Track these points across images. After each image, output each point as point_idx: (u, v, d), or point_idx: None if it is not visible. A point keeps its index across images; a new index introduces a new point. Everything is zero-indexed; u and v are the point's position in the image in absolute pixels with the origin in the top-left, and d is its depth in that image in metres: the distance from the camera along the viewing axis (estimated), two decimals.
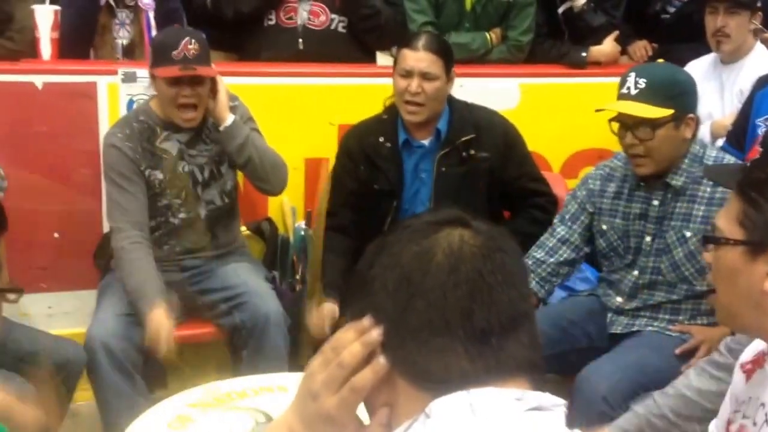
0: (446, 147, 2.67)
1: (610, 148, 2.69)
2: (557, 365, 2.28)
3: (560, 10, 3.46)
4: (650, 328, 2.31)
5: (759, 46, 3.25)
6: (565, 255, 2.40)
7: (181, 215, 2.63)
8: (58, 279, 2.93)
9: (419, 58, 2.57)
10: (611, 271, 2.40)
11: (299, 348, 2.66)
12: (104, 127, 2.79)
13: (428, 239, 0.86)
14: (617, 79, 2.27)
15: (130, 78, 2.90)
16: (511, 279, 0.86)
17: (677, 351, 2.21)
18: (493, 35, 3.38)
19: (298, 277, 2.98)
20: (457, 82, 2.72)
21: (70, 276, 2.92)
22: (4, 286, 1.15)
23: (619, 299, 2.37)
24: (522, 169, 2.74)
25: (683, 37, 3.52)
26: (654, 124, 2.15)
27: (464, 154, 2.67)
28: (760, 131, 2.78)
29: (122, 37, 3.09)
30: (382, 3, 3.29)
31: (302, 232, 3.00)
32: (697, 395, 1.81)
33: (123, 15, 3.08)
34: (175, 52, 2.45)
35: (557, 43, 3.48)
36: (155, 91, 2.59)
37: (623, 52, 3.62)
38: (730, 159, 2.35)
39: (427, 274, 0.84)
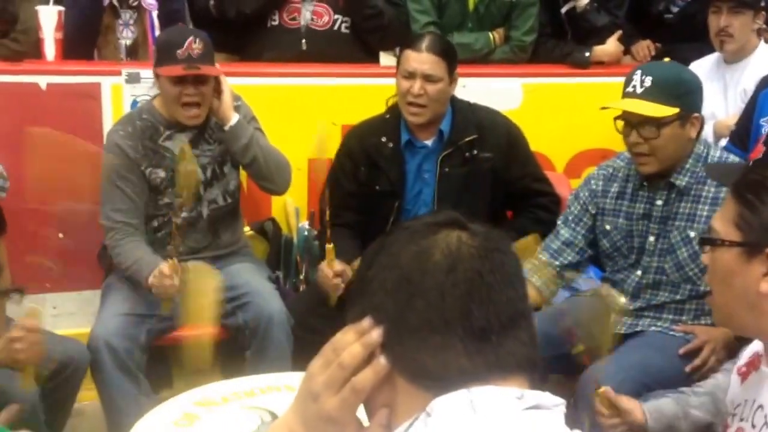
0: (449, 147, 2.67)
1: (614, 148, 2.68)
2: (560, 365, 2.28)
3: (563, 9, 3.47)
4: (654, 328, 2.31)
5: (762, 45, 3.25)
6: (569, 257, 2.40)
7: (184, 215, 2.63)
8: (62, 279, 2.93)
9: (422, 59, 2.57)
10: (615, 271, 2.39)
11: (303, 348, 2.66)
12: (108, 127, 2.79)
13: (427, 240, 0.87)
14: (620, 79, 2.27)
15: (133, 78, 2.91)
16: (508, 279, 0.86)
17: (681, 351, 2.21)
18: (496, 35, 3.39)
19: (301, 277, 2.98)
20: (460, 82, 2.72)
21: (74, 276, 2.93)
22: (6, 287, 1.16)
23: (622, 299, 2.36)
24: (525, 169, 2.74)
25: (686, 37, 3.52)
26: (659, 122, 2.15)
27: (467, 154, 2.67)
28: (764, 131, 2.78)
29: (126, 37, 3.10)
30: (385, 3, 3.29)
31: (306, 233, 3.01)
32: (725, 394, 1.81)
33: (126, 15, 3.09)
34: (179, 51, 2.46)
35: (560, 43, 3.48)
36: (159, 90, 2.59)
37: (626, 51, 3.62)
38: (733, 159, 2.35)
39: (425, 274, 0.85)
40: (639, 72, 2.19)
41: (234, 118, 2.57)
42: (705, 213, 2.20)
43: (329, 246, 2.49)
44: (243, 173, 2.74)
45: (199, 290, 2.30)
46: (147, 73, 2.79)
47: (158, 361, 2.54)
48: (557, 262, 2.40)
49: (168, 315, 2.48)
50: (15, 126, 2.84)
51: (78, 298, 2.94)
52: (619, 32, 3.50)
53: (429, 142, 2.70)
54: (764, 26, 3.22)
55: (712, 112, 3.15)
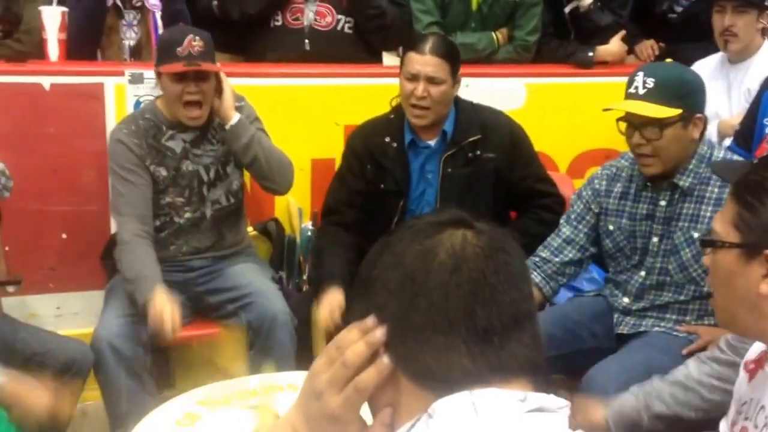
0: (452, 148, 2.66)
1: (617, 148, 2.68)
2: (564, 366, 2.28)
3: (567, 9, 3.46)
4: (657, 328, 2.30)
5: (767, 45, 3.24)
6: (570, 255, 2.40)
7: (187, 215, 2.64)
8: (66, 280, 2.94)
9: (425, 62, 2.57)
10: (618, 272, 2.39)
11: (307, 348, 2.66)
12: (111, 127, 2.80)
13: (431, 239, 0.87)
14: (624, 79, 2.26)
15: (137, 79, 2.91)
16: (513, 279, 0.86)
17: (684, 351, 2.20)
18: (499, 35, 3.38)
19: (305, 277, 2.98)
20: (463, 82, 2.72)
21: (78, 276, 2.93)
22: (2, 278, 1.15)
23: (625, 300, 2.36)
24: (528, 169, 2.73)
25: (690, 37, 3.52)
26: (662, 123, 2.15)
27: (470, 154, 2.66)
28: None
29: (129, 38, 3.10)
30: (388, 3, 3.29)
31: (309, 233, 3.01)
32: (697, 384, 1.83)
33: (130, 16, 3.09)
34: (179, 49, 2.46)
35: (564, 43, 3.47)
36: (161, 90, 2.60)
37: (630, 51, 3.61)
38: (736, 159, 2.34)
39: (429, 274, 0.85)
40: (641, 73, 2.19)
41: (235, 117, 2.57)
42: (708, 213, 2.19)
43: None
44: (247, 173, 2.75)
45: None
46: (150, 73, 2.79)
47: (161, 361, 2.54)
48: (557, 259, 2.40)
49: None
50: (19, 126, 2.85)
51: (82, 299, 2.94)
52: (623, 32, 3.49)
53: (432, 143, 2.70)
54: None
55: (716, 111, 3.14)
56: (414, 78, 2.58)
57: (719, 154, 2.27)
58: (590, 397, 2.00)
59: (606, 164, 2.45)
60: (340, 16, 3.27)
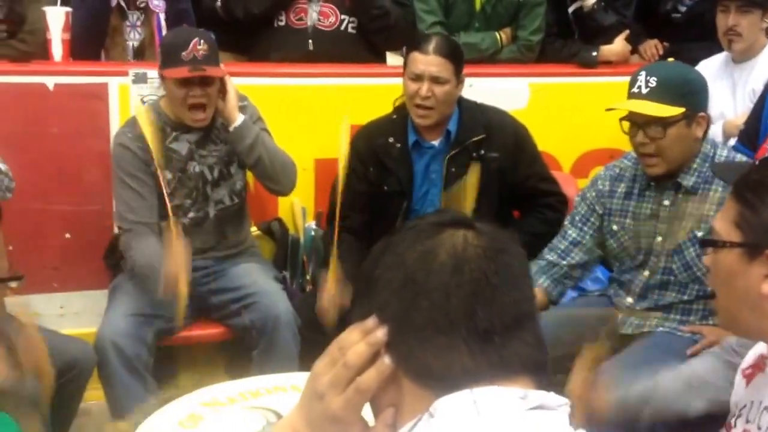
0: (456, 148, 2.66)
1: (621, 148, 2.67)
2: (567, 366, 2.27)
3: (570, 9, 3.45)
4: (661, 328, 2.30)
5: None
6: (577, 258, 2.40)
7: (191, 215, 2.64)
8: (69, 279, 2.94)
9: (429, 62, 2.57)
10: (622, 272, 2.39)
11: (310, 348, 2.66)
12: (115, 127, 2.80)
13: (432, 239, 0.87)
14: (628, 79, 2.26)
15: (140, 79, 2.91)
16: (514, 280, 0.86)
17: (688, 351, 2.20)
18: (502, 35, 3.38)
19: (308, 277, 2.98)
20: (467, 81, 2.72)
21: (81, 276, 2.94)
22: (4, 275, 1.15)
23: (629, 299, 2.36)
24: (532, 169, 2.73)
25: (694, 37, 3.51)
26: (665, 122, 2.15)
27: (474, 154, 2.66)
28: None
29: (133, 38, 3.10)
30: (392, 3, 3.29)
31: (312, 233, 3.01)
32: (703, 384, 1.83)
33: (134, 17, 3.09)
34: (184, 53, 2.46)
35: (567, 43, 3.47)
36: (165, 92, 2.60)
37: (634, 51, 3.61)
38: (741, 158, 2.34)
39: (430, 274, 0.85)
40: (644, 72, 2.19)
41: (239, 119, 2.57)
42: (712, 213, 2.19)
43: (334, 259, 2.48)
44: (250, 173, 2.75)
45: None
46: (154, 73, 2.79)
47: (164, 361, 2.54)
48: (564, 262, 2.39)
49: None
50: (22, 126, 2.85)
51: (85, 298, 2.94)
52: (627, 32, 3.48)
53: (436, 143, 2.70)
54: None
55: (720, 111, 3.13)
56: (418, 78, 2.58)
57: (723, 153, 2.27)
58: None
59: (609, 165, 2.44)
60: (343, 16, 3.27)
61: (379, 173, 2.70)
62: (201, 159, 2.63)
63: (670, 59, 2.75)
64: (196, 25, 3.08)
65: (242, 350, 2.64)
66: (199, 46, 2.47)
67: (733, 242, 1.24)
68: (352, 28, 3.29)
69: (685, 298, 2.28)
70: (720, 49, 3.25)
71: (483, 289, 0.84)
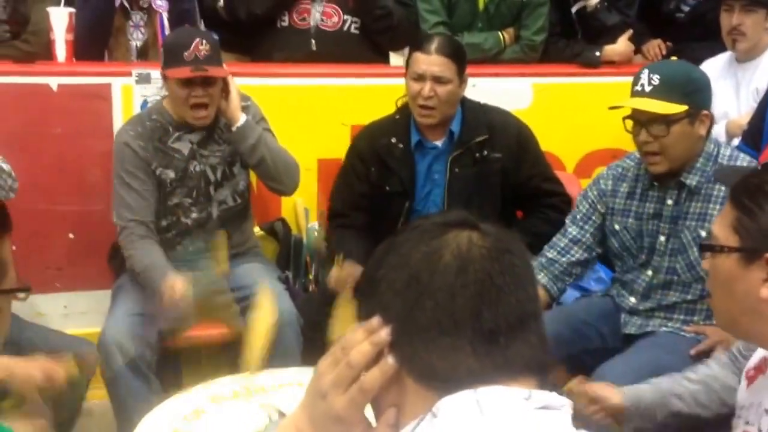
0: (459, 148, 2.66)
1: (624, 148, 2.67)
2: (570, 366, 2.27)
3: (574, 9, 3.45)
4: (664, 328, 2.30)
5: None
6: (577, 255, 2.40)
7: (194, 215, 2.64)
8: (73, 279, 2.95)
9: (432, 61, 2.57)
10: (625, 272, 2.38)
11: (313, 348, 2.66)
12: (118, 128, 2.80)
13: (437, 240, 0.87)
14: (631, 79, 2.26)
15: (144, 79, 2.92)
16: (519, 280, 0.86)
17: (692, 352, 2.20)
18: (506, 35, 3.38)
19: (311, 277, 2.98)
20: (470, 82, 2.72)
21: (85, 276, 2.95)
22: (12, 285, 1.16)
23: (632, 300, 2.35)
24: (535, 169, 2.73)
25: (698, 36, 3.50)
26: (668, 120, 2.15)
27: (477, 155, 2.66)
28: None
29: (136, 39, 3.11)
30: (395, 3, 3.29)
31: (315, 233, 3.01)
32: (720, 387, 1.81)
33: (137, 17, 3.10)
34: (186, 53, 2.46)
35: (571, 43, 3.46)
36: (167, 92, 2.60)
37: (637, 51, 3.60)
38: (744, 158, 2.33)
39: (435, 274, 0.85)
40: (646, 71, 2.19)
41: (242, 119, 2.57)
42: (716, 212, 2.18)
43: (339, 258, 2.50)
44: (253, 174, 2.75)
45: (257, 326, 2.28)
46: (157, 73, 2.79)
47: (168, 361, 2.54)
48: (564, 259, 2.39)
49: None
50: (26, 126, 2.86)
51: (89, 298, 2.95)
52: (630, 31, 3.48)
53: (439, 143, 2.69)
54: None
55: (724, 111, 3.13)
56: (420, 78, 2.58)
57: (726, 152, 2.26)
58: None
59: (612, 164, 2.44)
60: (346, 17, 3.27)
61: (381, 173, 2.70)
62: (203, 159, 2.63)
63: (673, 58, 2.75)
64: (200, 25, 3.08)
65: (245, 350, 2.63)
66: (201, 46, 2.47)
67: (731, 247, 1.24)
68: (355, 28, 3.29)
69: (689, 297, 2.28)
70: (723, 49, 3.25)
71: (488, 290, 0.84)
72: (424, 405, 0.83)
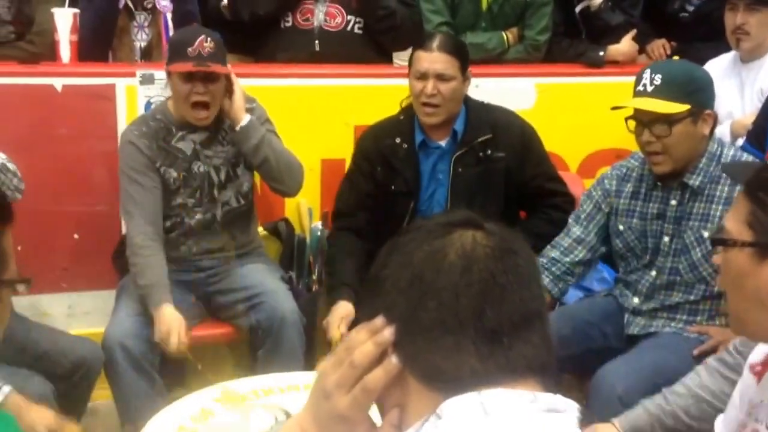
0: (463, 147, 2.66)
1: (628, 148, 2.67)
2: (573, 366, 2.27)
3: (577, 9, 3.44)
4: (667, 329, 2.29)
5: None
6: (580, 255, 2.39)
7: (198, 216, 2.64)
8: (78, 279, 2.95)
9: (434, 59, 2.57)
10: (628, 272, 2.38)
11: (314, 348, 2.67)
12: (123, 128, 2.81)
13: (441, 239, 0.87)
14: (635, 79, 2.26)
15: (148, 80, 2.93)
16: (523, 280, 0.86)
17: (695, 352, 2.19)
18: (509, 35, 3.37)
19: (314, 277, 2.99)
20: (474, 82, 2.72)
21: (90, 276, 2.95)
22: (12, 277, 1.16)
23: (636, 300, 2.35)
24: (539, 168, 2.73)
25: (702, 36, 3.49)
26: (670, 120, 2.14)
27: (481, 154, 2.66)
28: None
29: (140, 39, 3.11)
30: (398, 4, 3.29)
31: (319, 233, 3.01)
32: (711, 396, 1.81)
33: (141, 18, 3.10)
34: (190, 49, 2.47)
35: (574, 43, 3.46)
36: (170, 89, 2.61)
37: (641, 50, 3.59)
38: (748, 158, 2.33)
39: (439, 273, 0.84)
40: (648, 71, 2.19)
41: (245, 119, 2.58)
42: (719, 213, 2.18)
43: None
44: (257, 174, 2.75)
45: None
46: (161, 74, 2.80)
47: (172, 360, 2.55)
48: (567, 259, 2.39)
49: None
50: (31, 127, 2.87)
51: (93, 298, 2.96)
52: (634, 31, 3.47)
53: (443, 143, 2.69)
54: None
55: (729, 111, 3.12)
56: (423, 76, 2.58)
57: (729, 152, 2.26)
58: (599, 397, 1.99)
59: (616, 164, 2.44)
60: (350, 17, 3.27)
61: (387, 173, 2.71)
62: (206, 159, 2.64)
63: (675, 57, 2.75)
64: (201, 25, 3.08)
65: (249, 350, 2.64)
66: (205, 43, 2.48)
67: (744, 241, 1.22)
68: (359, 28, 3.29)
69: (692, 298, 2.28)
70: (728, 49, 3.24)
71: (492, 289, 0.84)
72: (428, 405, 0.83)
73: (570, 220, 2.45)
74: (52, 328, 2.49)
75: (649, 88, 2.15)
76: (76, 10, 2.97)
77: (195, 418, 1.95)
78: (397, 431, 0.86)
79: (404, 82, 2.70)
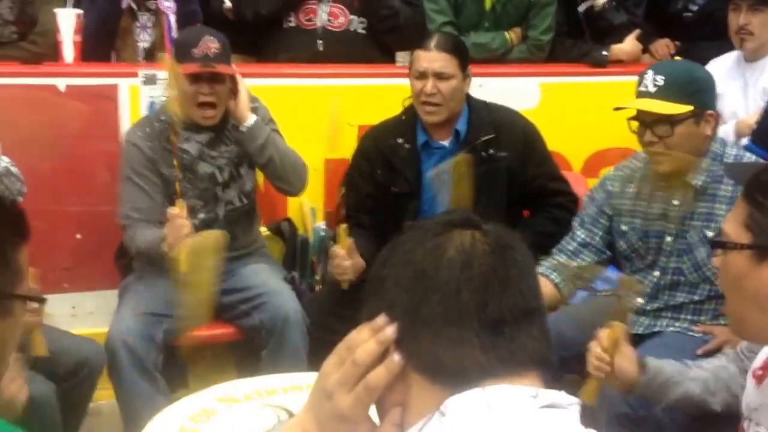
0: (465, 147, 2.66)
1: (632, 148, 2.66)
2: (577, 366, 2.26)
3: (581, 8, 3.44)
4: (672, 328, 2.29)
5: None
6: (587, 259, 2.39)
7: (201, 216, 2.64)
8: (81, 279, 2.96)
9: (432, 58, 2.57)
10: (632, 272, 2.37)
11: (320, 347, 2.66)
12: (125, 128, 2.82)
13: (440, 237, 0.88)
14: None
15: (150, 80, 2.93)
16: (522, 275, 0.87)
17: (699, 351, 2.19)
18: (512, 35, 3.37)
19: (317, 277, 2.99)
20: (477, 81, 2.71)
21: (93, 276, 2.95)
22: (26, 292, 1.16)
23: (640, 300, 2.34)
24: (541, 168, 2.72)
25: (706, 35, 3.49)
26: (672, 120, 2.14)
27: (483, 154, 2.66)
28: None
29: (143, 40, 3.12)
30: (401, 3, 3.29)
31: (322, 233, 3.01)
32: (729, 377, 1.80)
33: (144, 18, 3.11)
34: (195, 50, 2.47)
35: (578, 42, 3.46)
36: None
37: (645, 50, 3.59)
38: (751, 158, 2.33)
39: (440, 269, 0.85)
40: (651, 71, 2.19)
41: (251, 119, 2.58)
42: (722, 212, 2.18)
43: (341, 227, 2.49)
44: (260, 174, 2.75)
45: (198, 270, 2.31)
46: (164, 74, 2.80)
47: (174, 360, 2.55)
48: (574, 264, 2.38)
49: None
50: (34, 127, 2.87)
51: (96, 298, 2.96)
52: (638, 31, 3.47)
53: (446, 143, 2.69)
54: None
55: (733, 111, 3.11)
56: (422, 75, 2.58)
57: (732, 152, 2.26)
58: (602, 397, 1.98)
59: (619, 165, 2.44)
60: (353, 17, 3.27)
61: (387, 174, 2.70)
62: (211, 160, 2.64)
63: (677, 58, 2.74)
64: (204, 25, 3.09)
65: (252, 350, 2.64)
66: (211, 43, 2.48)
67: (742, 244, 1.23)
68: (362, 28, 3.30)
69: (696, 298, 2.27)
70: (731, 48, 3.23)
71: (493, 282, 0.85)
72: (431, 402, 0.83)
73: (574, 224, 2.45)
74: (55, 328, 2.48)
75: (652, 89, 2.15)
76: (79, 11, 2.97)
77: (196, 417, 1.95)
78: (399, 430, 0.86)
79: (407, 82, 2.70)
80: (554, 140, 2.90)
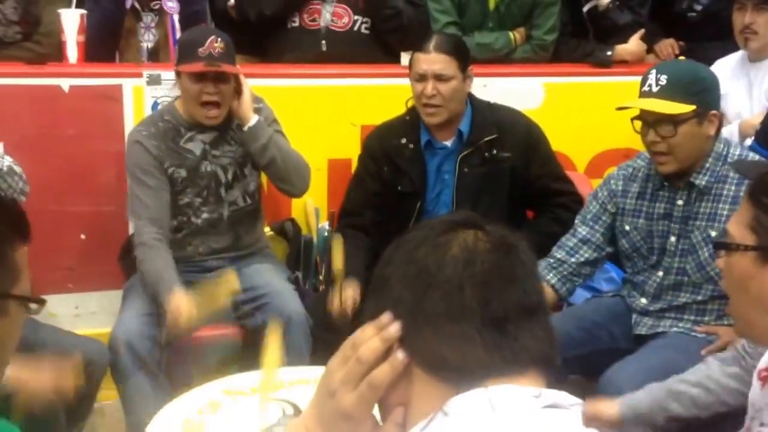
0: (468, 147, 2.66)
1: (636, 148, 2.66)
2: (581, 366, 2.26)
3: (585, 8, 3.44)
4: (675, 329, 2.29)
5: None
6: (586, 255, 2.39)
7: (204, 216, 2.65)
8: (84, 280, 2.96)
9: (431, 60, 2.56)
10: (635, 273, 2.37)
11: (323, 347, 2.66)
12: (129, 129, 2.82)
13: (444, 236, 0.88)
14: None
15: (154, 80, 2.93)
16: (525, 273, 0.87)
17: (703, 352, 2.18)
18: (516, 35, 3.37)
19: (321, 277, 2.98)
20: (481, 81, 2.71)
21: (96, 276, 2.96)
22: (25, 294, 1.16)
23: (643, 300, 2.34)
24: (545, 168, 2.72)
25: (710, 35, 3.48)
26: (676, 120, 2.14)
27: (486, 154, 2.65)
28: None
29: (147, 40, 3.12)
30: (405, 4, 3.29)
31: (326, 233, 3.01)
32: (718, 386, 1.80)
33: (148, 18, 3.11)
34: (200, 49, 2.48)
35: (582, 42, 3.45)
36: (180, 89, 2.61)
37: (649, 50, 3.58)
38: (755, 158, 2.32)
39: (443, 266, 0.86)
40: (654, 71, 2.19)
41: (253, 119, 2.58)
42: (726, 212, 2.18)
43: (337, 240, 2.49)
44: (263, 175, 2.75)
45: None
46: (168, 74, 2.81)
47: (178, 360, 2.55)
48: (573, 260, 2.38)
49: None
50: (38, 128, 2.87)
51: (100, 298, 2.96)
52: (642, 31, 3.46)
53: (449, 143, 2.69)
54: None
55: (737, 111, 3.11)
56: (422, 78, 2.58)
57: (736, 152, 2.25)
58: (606, 397, 1.98)
59: (622, 164, 2.43)
60: (356, 17, 3.27)
61: (393, 173, 2.70)
62: (214, 159, 2.64)
63: (681, 58, 2.74)
64: (210, 26, 3.09)
65: (255, 350, 2.63)
66: (216, 43, 2.49)
67: (747, 245, 1.23)
68: (366, 28, 3.29)
69: (700, 298, 2.27)
70: (736, 48, 3.22)
71: (495, 280, 0.85)
72: (434, 401, 0.83)
73: (576, 221, 2.44)
74: (59, 329, 2.49)
75: (655, 89, 2.15)
76: (83, 11, 2.97)
77: (201, 410, 1.96)
78: (402, 430, 0.86)
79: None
80: (558, 140, 2.90)
